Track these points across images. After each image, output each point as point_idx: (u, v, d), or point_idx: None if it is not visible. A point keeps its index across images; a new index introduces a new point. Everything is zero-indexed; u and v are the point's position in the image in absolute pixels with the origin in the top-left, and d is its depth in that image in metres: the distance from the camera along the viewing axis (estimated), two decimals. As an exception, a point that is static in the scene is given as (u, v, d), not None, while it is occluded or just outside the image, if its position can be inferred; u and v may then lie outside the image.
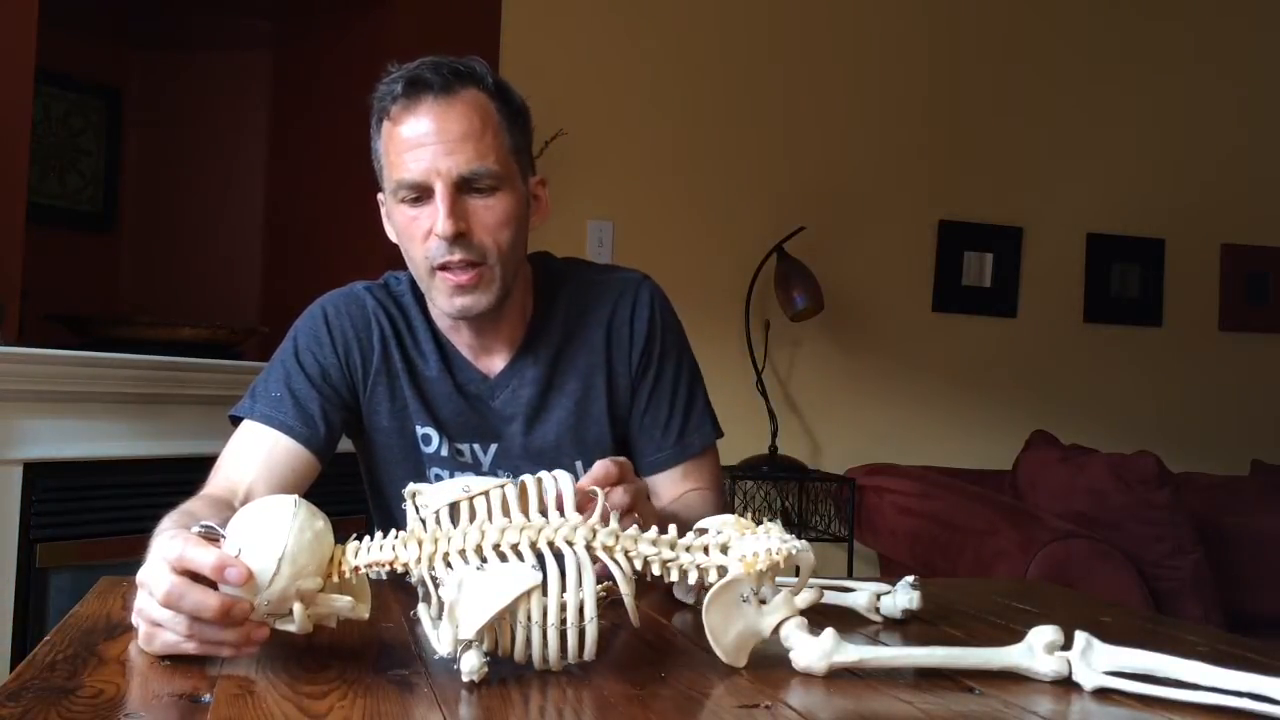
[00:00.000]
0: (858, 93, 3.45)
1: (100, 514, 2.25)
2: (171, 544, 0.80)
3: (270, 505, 0.81)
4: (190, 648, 0.79)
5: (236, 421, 1.29)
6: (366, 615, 0.82)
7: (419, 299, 1.35)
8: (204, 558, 0.78)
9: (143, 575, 0.82)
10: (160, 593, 0.78)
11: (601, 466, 1.00)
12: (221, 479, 1.22)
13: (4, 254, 2.19)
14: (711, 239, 3.30)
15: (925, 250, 3.49)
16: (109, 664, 0.80)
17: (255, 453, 1.24)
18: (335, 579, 0.81)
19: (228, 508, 1.08)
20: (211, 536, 0.81)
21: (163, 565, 0.79)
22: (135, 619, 0.84)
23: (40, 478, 2.16)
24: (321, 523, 0.81)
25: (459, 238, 1.20)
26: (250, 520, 0.81)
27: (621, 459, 1.04)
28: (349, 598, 0.81)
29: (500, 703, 0.75)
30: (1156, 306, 3.66)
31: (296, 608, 0.79)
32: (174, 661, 0.81)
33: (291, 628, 0.80)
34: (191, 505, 1.12)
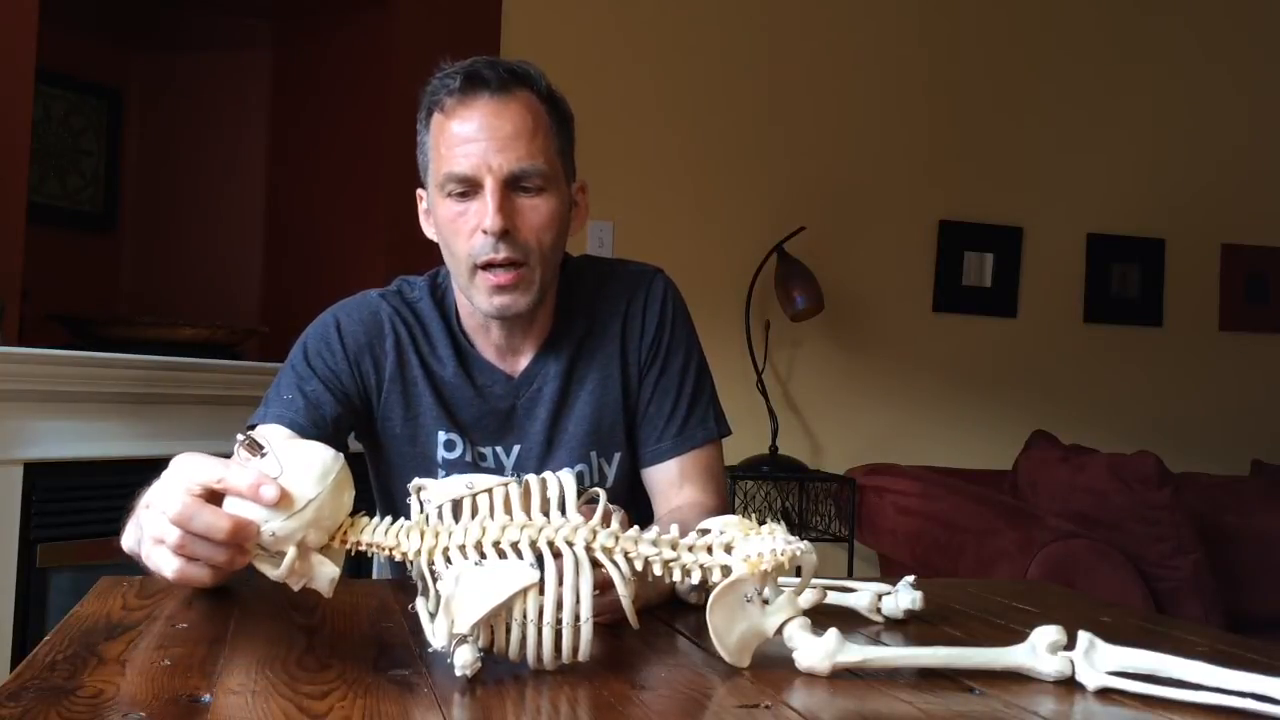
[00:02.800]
0: (858, 93, 3.45)
1: (100, 514, 2.25)
2: (205, 464, 0.79)
3: (320, 448, 0.81)
4: (176, 563, 0.79)
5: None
6: (331, 593, 0.81)
7: (437, 304, 1.35)
8: (240, 478, 0.78)
9: (153, 494, 0.81)
10: (173, 511, 0.78)
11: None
12: None
13: (4, 254, 2.19)
14: (712, 239, 3.31)
15: (925, 250, 3.49)
16: (109, 664, 0.80)
17: None
18: (335, 545, 0.81)
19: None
20: (254, 447, 0.80)
21: (179, 484, 0.79)
22: (129, 540, 0.85)
23: (40, 478, 2.16)
24: (351, 488, 0.82)
25: (504, 235, 1.21)
26: (298, 451, 0.80)
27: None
28: (336, 570, 0.81)
29: (499, 703, 0.75)
30: (1156, 306, 3.66)
31: (291, 552, 0.78)
32: (174, 661, 0.81)
33: (271, 570, 0.79)
34: None
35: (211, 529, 0.77)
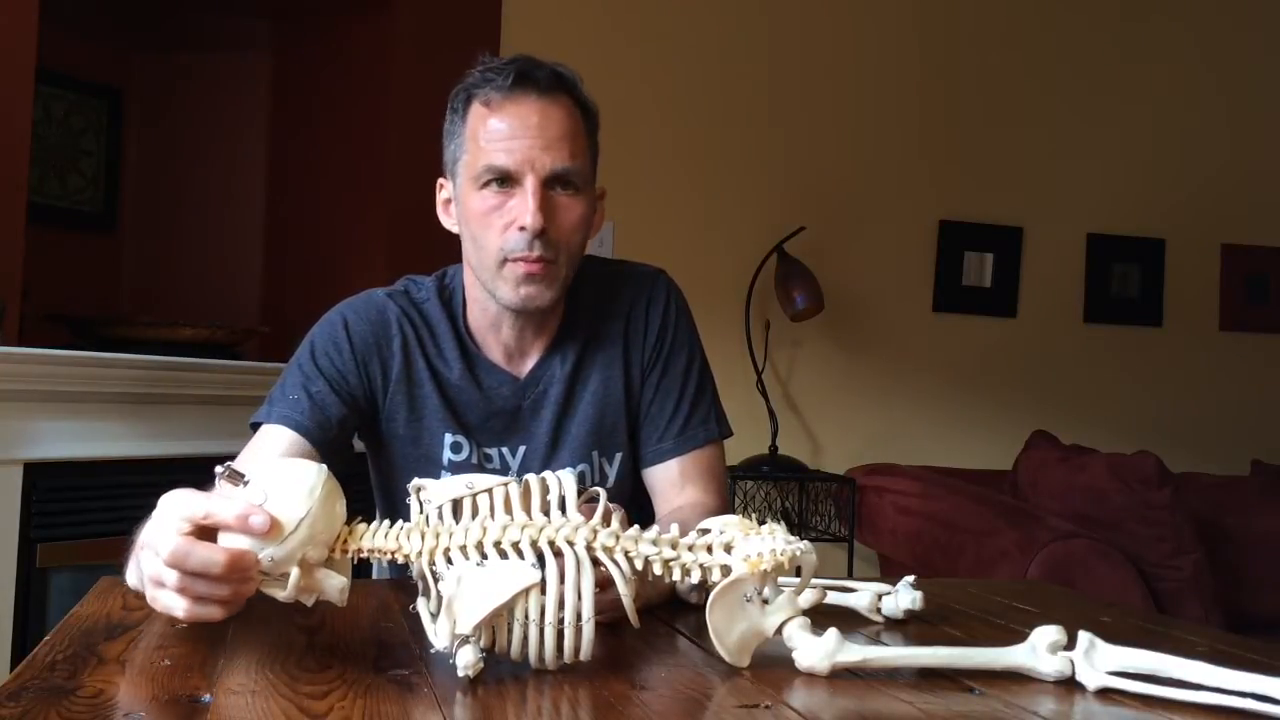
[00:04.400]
0: (858, 93, 3.45)
1: (100, 514, 2.25)
2: (191, 500, 0.79)
3: (302, 466, 0.81)
4: (183, 605, 0.78)
5: (255, 429, 1.27)
6: (344, 602, 0.81)
7: (444, 305, 1.35)
8: (227, 511, 0.77)
9: (147, 535, 0.81)
10: (165, 552, 0.77)
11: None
12: None
13: (4, 254, 2.19)
14: (712, 239, 3.31)
15: (925, 250, 3.49)
16: (109, 664, 0.80)
17: (267, 453, 1.23)
18: (337, 556, 0.81)
19: None
20: (235, 478, 0.80)
21: (169, 525, 0.78)
22: (133, 578, 0.87)
23: (40, 478, 2.15)
24: (341, 498, 0.81)
25: (541, 233, 1.21)
26: (280, 474, 0.80)
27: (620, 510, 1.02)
28: (344, 579, 0.80)
29: (500, 702, 0.75)
30: (1156, 306, 3.66)
31: (294, 573, 0.78)
32: (174, 661, 0.81)
33: (279, 593, 0.78)
34: None
35: (209, 565, 0.76)
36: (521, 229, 1.21)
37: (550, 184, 1.23)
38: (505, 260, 1.23)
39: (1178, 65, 3.68)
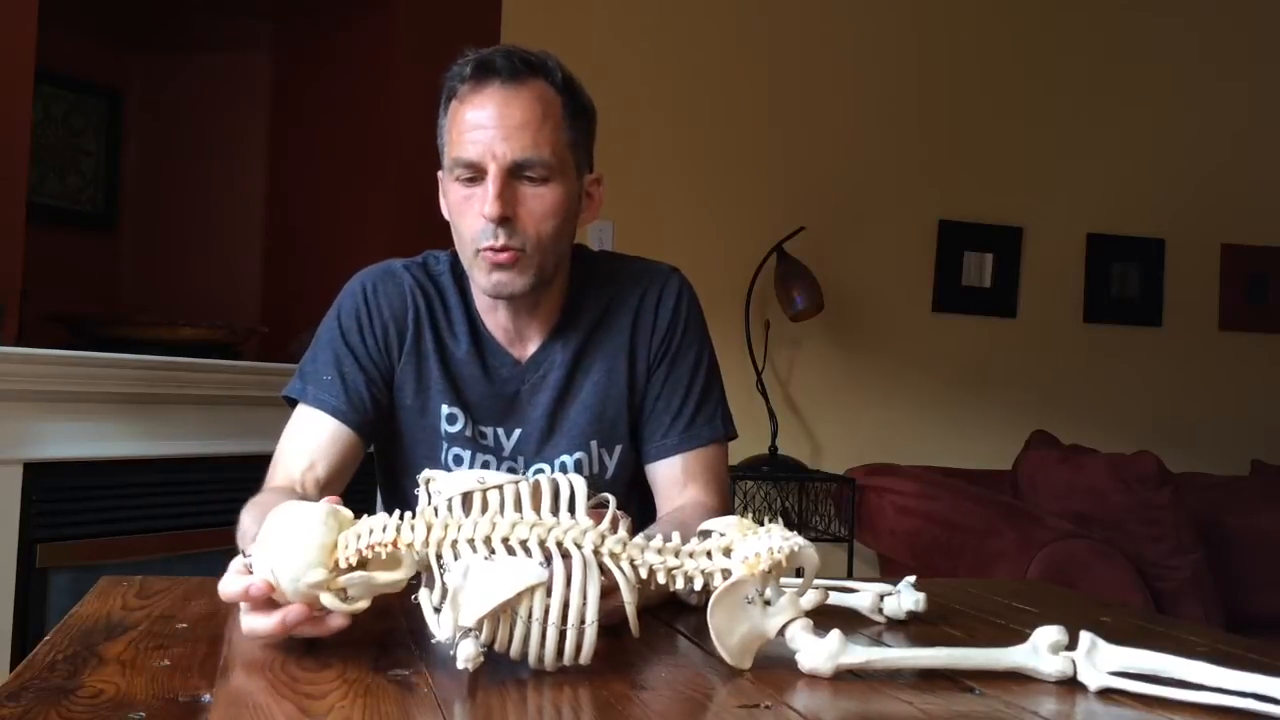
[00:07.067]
0: (857, 93, 3.45)
1: (100, 514, 2.25)
2: (222, 587, 0.85)
3: (284, 513, 0.84)
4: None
5: (290, 402, 1.33)
6: (404, 583, 0.82)
7: (457, 279, 1.37)
8: (234, 591, 0.83)
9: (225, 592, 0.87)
10: (244, 630, 0.84)
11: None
12: (282, 472, 1.27)
13: (4, 254, 2.19)
14: (711, 239, 3.31)
15: (925, 250, 3.49)
16: (109, 664, 0.80)
17: (311, 441, 1.28)
18: (342, 565, 0.81)
19: (291, 497, 1.16)
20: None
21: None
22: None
23: (40, 478, 2.15)
24: (314, 516, 0.82)
25: (504, 222, 1.23)
26: (271, 530, 0.83)
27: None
28: (386, 574, 0.81)
29: (500, 703, 0.75)
30: (1156, 306, 3.66)
31: (325, 599, 0.80)
32: (174, 661, 0.81)
33: (336, 620, 0.83)
34: (262, 498, 1.19)
35: (269, 634, 0.82)
36: (485, 218, 1.23)
37: (516, 173, 1.23)
38: (478, 250, 1.25)
39: (1178, 65, 3.68)
